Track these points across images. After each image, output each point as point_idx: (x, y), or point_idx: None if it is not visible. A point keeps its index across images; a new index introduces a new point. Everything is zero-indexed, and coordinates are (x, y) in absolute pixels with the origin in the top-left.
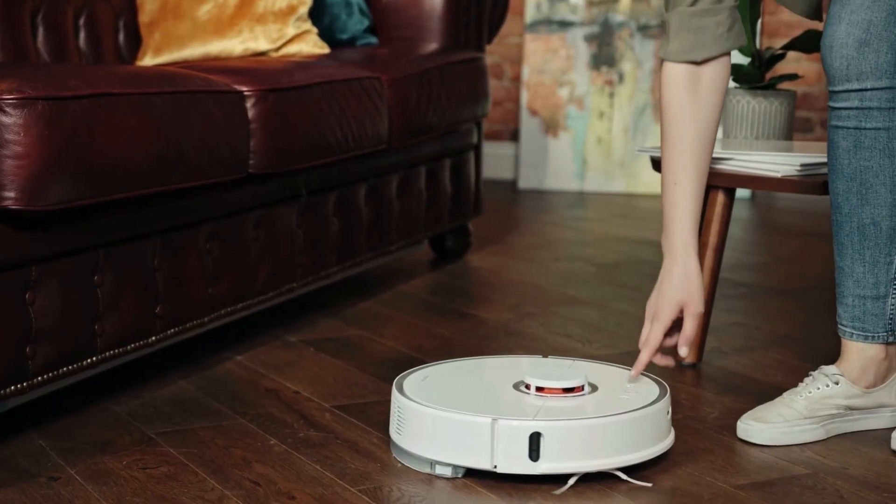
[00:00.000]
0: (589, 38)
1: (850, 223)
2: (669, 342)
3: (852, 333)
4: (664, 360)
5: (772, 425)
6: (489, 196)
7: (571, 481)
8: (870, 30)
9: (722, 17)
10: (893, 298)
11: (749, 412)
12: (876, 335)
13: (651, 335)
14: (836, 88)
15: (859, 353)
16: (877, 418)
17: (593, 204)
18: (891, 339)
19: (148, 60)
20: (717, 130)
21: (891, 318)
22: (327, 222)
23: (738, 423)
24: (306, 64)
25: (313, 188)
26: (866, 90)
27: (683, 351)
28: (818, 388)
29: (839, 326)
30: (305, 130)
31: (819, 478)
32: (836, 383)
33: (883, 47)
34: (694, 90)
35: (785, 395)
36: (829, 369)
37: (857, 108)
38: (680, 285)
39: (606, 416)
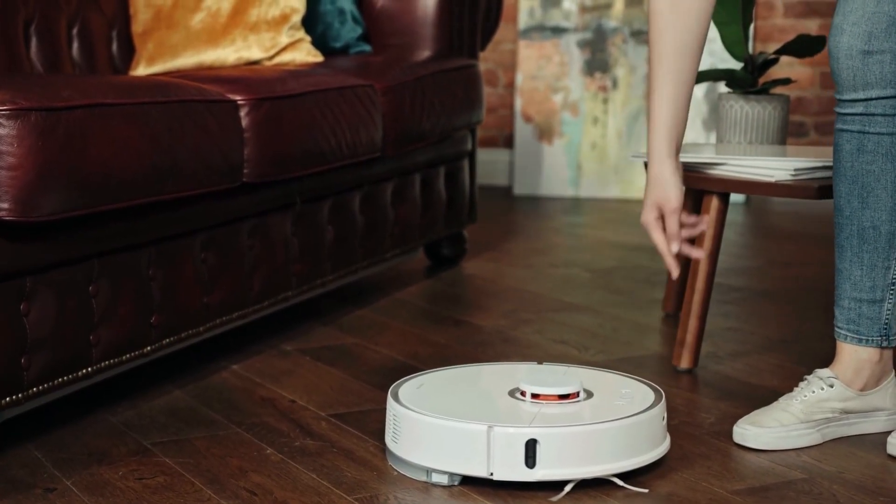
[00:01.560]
0: (582, 44)
1: (850, 226)
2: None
3: (847, 336)
4: (697, 253)
5: (769, 430)
6: (484, 203)
7: (568, 488)
8: (871, 41)
9: None
10: (890, 304)
11: (746, 417)
12: (870, 339)
13: (654, 239)
14: (843, 97)
15: (853, 355)
16: (872, 422)
17: (588, 210)
18: (885, 343)
19: (141, 70)
20: (702, 43)
21: (886, 324)
22: (322, 230)
23: (735, 427)
24: (300, 72)
25: (308, 196)
26: (871, 99)
27: (674, 247)
28: (813, 392)
29: (835, 328)
30: (299, 139)
31: (815, 482)
32: (831, 386)
33: (886, 58)
34: (678, 2)
35: (781, 399)
36: (824, 372)
37: (861, 114)
38: (654, 188)
39: (602, 422)
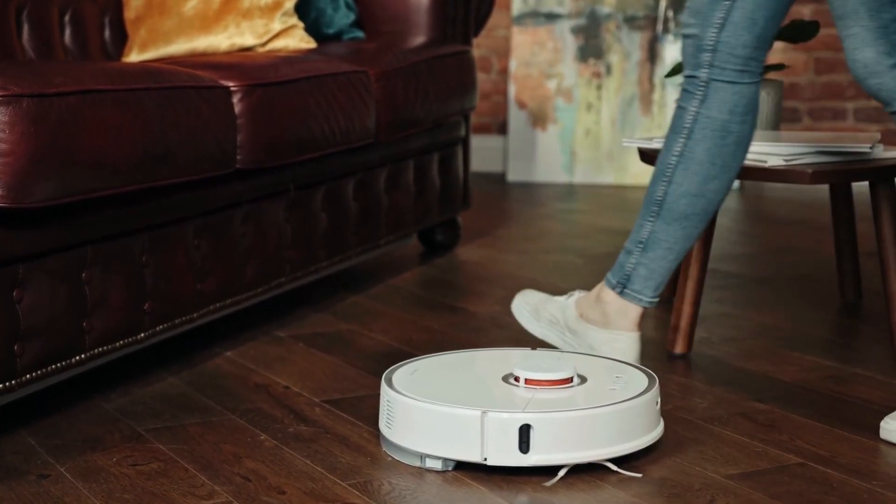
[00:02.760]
0: (576, 31)
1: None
2: None
3: (608, 277)
4: None
5: (519, 304)
6: (478, 189)
7: (561, 473)
8: (688, 26)
9: None
10: (636, 258)
11: (528, 293)
12: (609, 280)
13: None
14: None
15: (599, 289)
16: (579, 346)
17: (582, 196)
18: (619, 290)
19: (134, 57)
20: None
21: (627, 275)
22: (316, 217)
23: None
24: (293, 58)
25: (301, 183)
26: (686, 77)
27: None
28: (566, 296)
29: None
30: (292, 125)
31: (808, 466)
32: (568, 298)
33: (689, 42)
34: None
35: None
36: (584, 291)
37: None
38: None
39: (596, 407)
